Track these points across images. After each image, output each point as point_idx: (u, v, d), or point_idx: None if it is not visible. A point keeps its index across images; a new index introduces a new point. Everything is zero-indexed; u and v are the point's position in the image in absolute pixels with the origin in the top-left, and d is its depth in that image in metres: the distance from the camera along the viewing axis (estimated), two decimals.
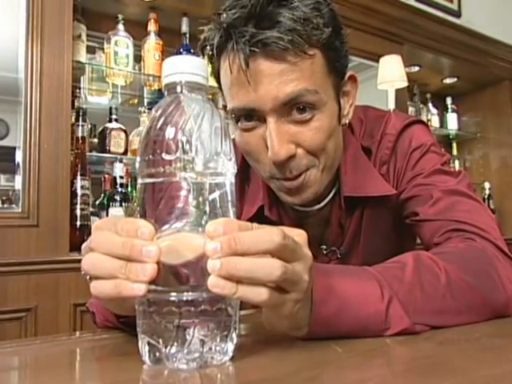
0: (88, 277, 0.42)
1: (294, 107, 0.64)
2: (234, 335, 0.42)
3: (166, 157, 0.40)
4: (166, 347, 0.40)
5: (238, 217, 0.78)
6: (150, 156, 0.41)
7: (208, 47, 0.67)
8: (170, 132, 0.41)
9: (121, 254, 0.39)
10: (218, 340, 0.40)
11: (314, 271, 0.46)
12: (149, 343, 0.41)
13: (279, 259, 0.40)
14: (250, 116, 0.66)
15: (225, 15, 0.63)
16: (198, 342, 0.39)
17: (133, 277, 0.38)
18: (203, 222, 0.40)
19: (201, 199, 0.41)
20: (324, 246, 0.81)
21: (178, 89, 0.44)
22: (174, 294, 0.39)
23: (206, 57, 0.68)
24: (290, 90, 0.62)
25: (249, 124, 0.67)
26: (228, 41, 0.63)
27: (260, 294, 0.39)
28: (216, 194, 0.42)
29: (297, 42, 0.60)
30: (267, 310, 0.46)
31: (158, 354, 0.40)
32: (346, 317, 0.49)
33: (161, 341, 0.40)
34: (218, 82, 0.70)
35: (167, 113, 0.42)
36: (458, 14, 2.90)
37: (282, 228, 0.41)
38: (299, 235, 0.43)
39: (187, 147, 0.41)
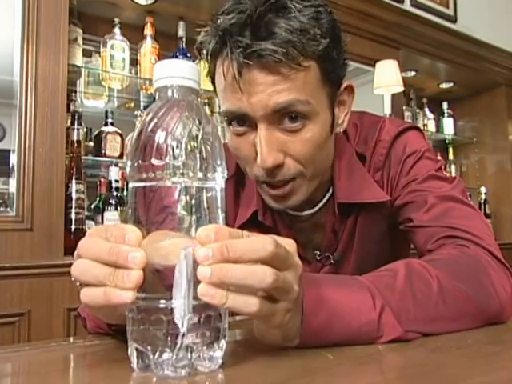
0: (78, 283, 0.42)
1: (286, 116, 0.64)
2: (223, 342, 0.42)
3: (155, 162, 0.40)
4: (154, 354, 0.39)
5: (233, 221, 0.79)
6: (140, 161, 0.41)
7: (204, 50, 0.67)
8: (160, 137, 0.41)
9: (108, 260, 0.39)
10: (207, 347, 0.40)
11: (304, 281, 0.46)
12: (138, 350, 0.41)
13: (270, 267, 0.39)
14: (242, 120, 0.66)
15: (222, 19, 0.62)
16: (186, 349, 0.39)
17: (119, 284, 0.38)
18: (193, 228, 0.40)
19: (190, 204, 0.41)
20: (318, 252, 0.81)
21: (169, 93, 0.44)
22: (163, 301, 0.39)
23: (202, 58, 0.69)
24: (281, 99, 0.62)
25: (240, 129, 0.67)
26: (223, 48, 0.63)
27: (250, 305, 0.39)
28: (205, 200, 0.41)
29: (291, 55, 0.60)
30: (258, 321, 0.45)
31: (146, 360, 0.40)
32: (338, 327, 0.49)
33: (149, 348, 0.39)
34: (213, 83, 0.71)
35: (157, 117, 0.42)
36: (453, 20, 2.91)
37: (273, 236, 0.40)
38: (290, 244, 0.43)
39: (177, 152, 0.40)
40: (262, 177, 0.67)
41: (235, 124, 0.67)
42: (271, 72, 0.61)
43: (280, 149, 0.65)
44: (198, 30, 0.67)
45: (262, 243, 0.39)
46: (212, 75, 0.69)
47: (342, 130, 0.74)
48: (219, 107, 0.75)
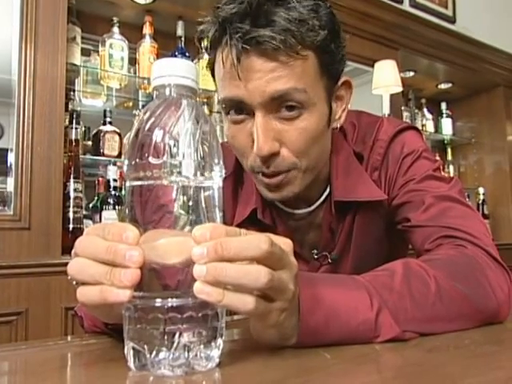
0: (75, 282, 0.41)
1: (283, 105, 0.65)
2: (220, 341, 0.42)
3: (152, 161, 0.40)
4: (151, 353, 0.39)
5: (231, 219, 0.79)
6: (137, 160, 0.41)
7: (204, 40, 0.68)
8: (157, 135, 0.41)
9: (105, 258, 0.38)
10: (204, 346, 0.40)
11: (300, 281, 0.46)
12: (134, 349, 0.40)
13: (265, 266, 0.39)
14: (239, 109, 0.67)
15: (222, 9, 0.63)
16: (183, 348, 0.39)
17: (116, 282, 0.38)
18: (190, 227, 0.40)
19: (187, 203, 0.40)
20: (315, 251, 0.81)
21: (167, 92, 0.44)
22: (159, 300, 0.39)
23: (202, 48, 0.69)
24: (279, 87, 0.63)
25: (238, 117, 0.67)
26: (223, 35, 0.64)
27: (246, 303, 0.39)
28: (203, 199, 0.41)
29: (289, 42, 0.61)
30: (254, 321, 0.45)
31: (143, 359, 0.40)
32: (335, 326, 0.49)
33: (146, 347, 0.39)
34: (213, 73, 0.71)
35: (155, 116, 0.42)
36: (452, 20, 2.91)
37: (269, 235, 0.40)
38: (285, 243, 0.43)
39: (174, 151, 0.40)
40: (258, 167, 0.68)
41: (233, 113, 0.67)
42: (269, 59, 0.62)
43: (276, 138, 0.65)
44: (200, 19, 0.68)
45: (256, 242, 0.39)
46: (212, 66, 0.70)
47: (339, 126, 0.74)
48: (218, 101, 0.75)
